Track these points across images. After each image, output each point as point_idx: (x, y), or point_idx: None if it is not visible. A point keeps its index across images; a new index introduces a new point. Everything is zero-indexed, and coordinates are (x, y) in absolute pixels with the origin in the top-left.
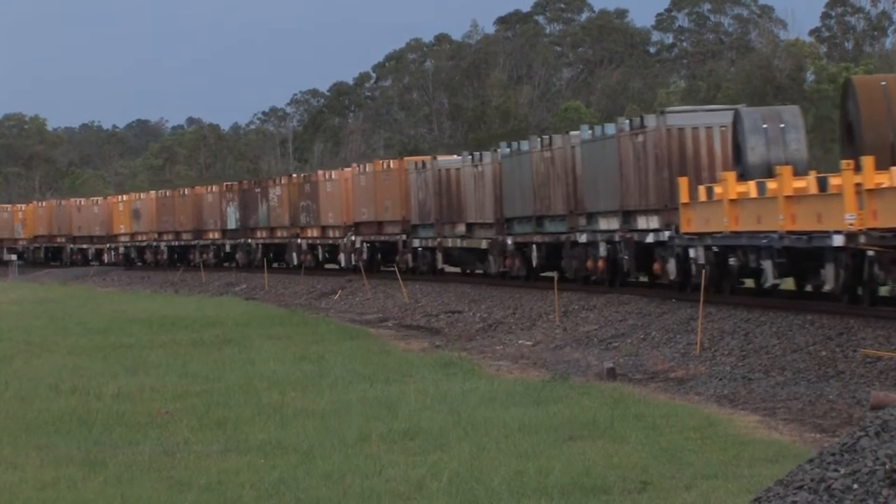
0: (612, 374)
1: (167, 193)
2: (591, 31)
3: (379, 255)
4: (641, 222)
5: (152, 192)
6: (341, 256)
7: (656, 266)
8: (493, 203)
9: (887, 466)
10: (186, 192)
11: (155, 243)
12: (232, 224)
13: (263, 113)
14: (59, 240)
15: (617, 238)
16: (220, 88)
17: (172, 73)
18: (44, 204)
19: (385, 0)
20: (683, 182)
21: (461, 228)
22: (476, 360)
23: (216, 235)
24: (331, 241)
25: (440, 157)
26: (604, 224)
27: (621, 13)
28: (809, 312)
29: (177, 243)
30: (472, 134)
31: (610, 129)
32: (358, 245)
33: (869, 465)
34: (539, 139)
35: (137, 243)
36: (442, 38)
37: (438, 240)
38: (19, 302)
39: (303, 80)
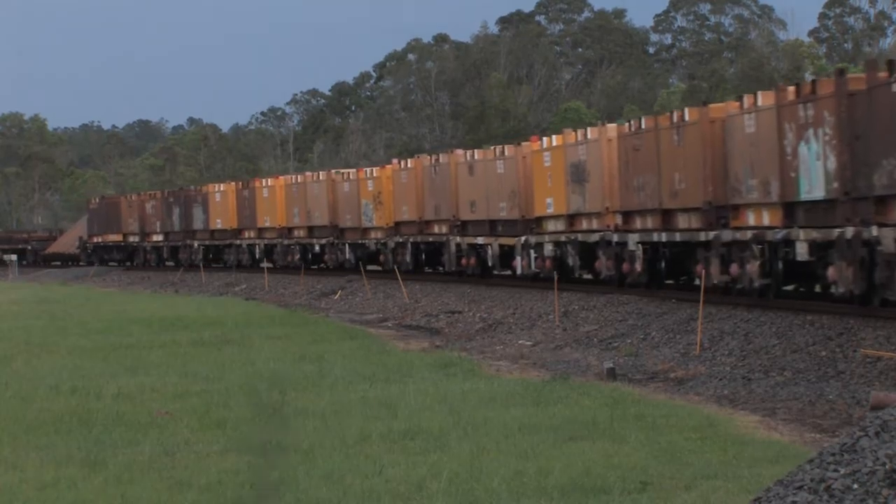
0: (612, 374)
1: (637, 127)
2: (591, 31)
3: None
4: None
5: (611, 127)
6: None
7: None
8: None
9: (887, 466)
10: (684, 119)
11: (613, 235)
12: (817, 186)
13: (263, 113)
14: (435, 228)
15: None
16: (220, 88)
17: (172, 73)
18: (410, 164)
19: (386, 0)
20: None
21: None
22: (476, 360)
23: (772, 219)
24: None
25: None
26: None
27: (619, 13)
28: (809, 312)
29: (663, 237)
30: (469, 135)
31: None
32: None
33: (869, 465)
34: None
35: (577, 235)
36: (442, 38)
37: None
38: (19, 302)
39: (303, 80)
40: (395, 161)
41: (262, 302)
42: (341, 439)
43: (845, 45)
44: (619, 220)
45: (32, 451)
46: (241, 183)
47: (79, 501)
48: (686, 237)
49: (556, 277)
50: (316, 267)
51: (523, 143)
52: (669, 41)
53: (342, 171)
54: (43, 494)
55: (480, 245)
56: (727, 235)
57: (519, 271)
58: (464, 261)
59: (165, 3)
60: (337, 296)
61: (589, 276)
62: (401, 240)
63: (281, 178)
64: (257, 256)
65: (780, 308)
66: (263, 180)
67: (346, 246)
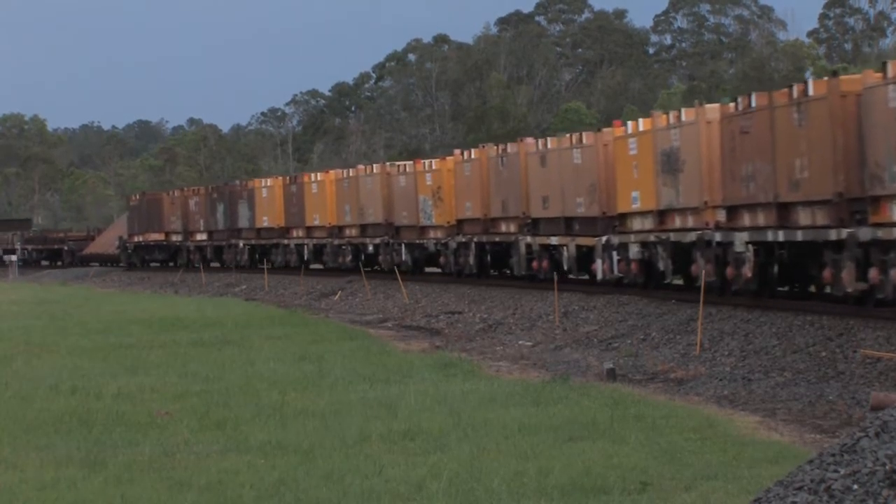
0: (612, 374)
1: (745, 105)
2: (591, 31)
3: None
4: None
5: (711, 107)
6: None
7: None
8: None
9: (887, 467)
10: (808, 93)
11: (714, 235)
12: None
13: (263, 113)
14: (503, 227)
15: None
16: (220, 88)
17: (172, 73)
18: (474, 154)
19: (386, 0)
20: None
21: None
22: (476, 360)
23: None
24: None
25: None
26: None
27: (620, 14)
28: (809, 313)
29: (779, 236)
30: (471, 135)
31: None
32: None
33: (869, 465)
34: None
35: (669, 234)
36: (442, 39)
37: None
38: (19, 302)
39: (303, 81)
40: (457, 151)
41: (262, 302)
42: (341, 439)
43: (845, 45)
44: (721, 216)
45: (32, 451)
46: (288, 177)
47: (79, 501)
48: (810, 236)
49: (555, 278)
50: (370, 269)
51: (604, 129)
52: (669, 42)
53: (398, 163)
54: (43, 494)
55: (554, 246)
56: (865, 234)
57: (599, 276)
58: (535, 263)
59: (165, 4)
60: (337, 296)
61: (679, 282)
62: (463, 240)
63: (331, 171)
64: (306, 258)
65: (780, 308)
66: (312, 174)
67: (403, 246)
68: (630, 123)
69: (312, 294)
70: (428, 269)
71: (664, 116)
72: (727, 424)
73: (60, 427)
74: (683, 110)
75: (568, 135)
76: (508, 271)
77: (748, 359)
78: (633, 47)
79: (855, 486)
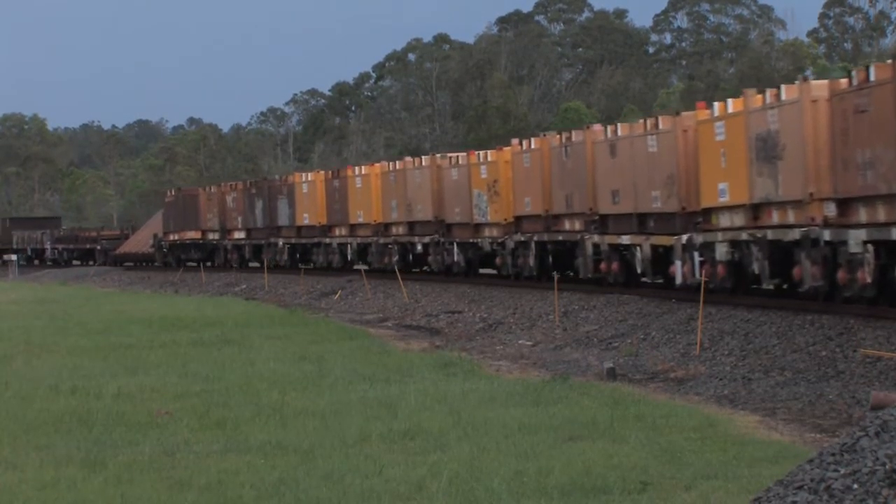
0: (612, 374)
1: (862, 79)
2: (591, 31)
3: None
4: None
5: (818, 84)
6: None
7: None
8: None
9: (887, 466)
10: None
11: (823, 232)
12: None
13: (262, 113)
14: (566, 225)
15: None
16: (220, 88)
17: (172, 73)
18: (534, 144)
19: (386, 0)
20: None
21: None
22: (476, 360)
23: None
24: None
25: None
26: None
27: (620, 13)
28: (809, 312)
29: None
30: (472, 134)
31: None
32: None
33: (869, 465)
34: None
35: (766, 231)
36: (442, 39)
37: None
38: (19, 302)
39: (303, 80)
40: (514, 142)
41: (262, 302)
42: (341, 439)
43: (845, 44)
44: (829, 210)
45: (32, 451)
46: (330, 172)
47: (79, 501)
48: None
49: (556, 277)
50: (418, 270)
51: (684, 113)
52: (669, 41)
53: (449, 154)
54: (43, 494)
55: (626, 246)
56: None
57: (679, 280)
58: (603, 265)
59: (165, 4)
60: (337, 296)
61: (771, 287)
62: (522, 239)
63: (377, 164)
64: (350, 258)
65: (779, 308)
66: (356, 168)
67: (455, 245)
68: (717, 105)
69: (312, 294)
70: (482, 271)
71: (759, 96)
72: (727, 424)
73: (60, 427)
74: (784, 87)
75: (641, 120)
76: (572, 273)
77: (748, 358)
78: (633, 47)
79: (855, 486)
